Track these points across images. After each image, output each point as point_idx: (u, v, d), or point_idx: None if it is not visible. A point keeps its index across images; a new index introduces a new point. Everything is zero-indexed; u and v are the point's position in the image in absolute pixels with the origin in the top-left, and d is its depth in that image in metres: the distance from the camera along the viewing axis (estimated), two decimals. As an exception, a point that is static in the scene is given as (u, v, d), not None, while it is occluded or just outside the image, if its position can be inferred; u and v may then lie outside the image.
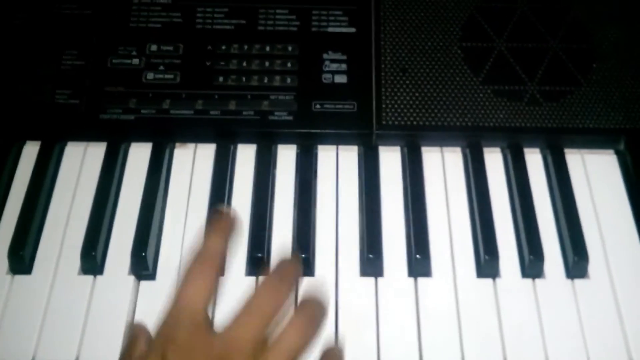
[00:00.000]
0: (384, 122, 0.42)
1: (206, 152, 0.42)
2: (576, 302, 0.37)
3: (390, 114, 0.43)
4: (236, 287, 0.37)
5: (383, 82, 0.43)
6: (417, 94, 0.43)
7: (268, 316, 0.28)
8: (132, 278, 0.37)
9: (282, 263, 0.30)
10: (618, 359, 0.35)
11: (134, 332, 0.29)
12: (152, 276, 0.37)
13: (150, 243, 0.38)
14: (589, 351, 0.35)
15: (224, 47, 0.44)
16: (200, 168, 0.42)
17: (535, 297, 0.37)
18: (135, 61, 0.44)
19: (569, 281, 0.38)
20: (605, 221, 0.40)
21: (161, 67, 0.44)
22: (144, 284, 0.37)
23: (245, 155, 0.42)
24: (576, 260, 0.37)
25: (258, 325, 0.27)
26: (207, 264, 0.28)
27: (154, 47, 0.44)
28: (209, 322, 0.27)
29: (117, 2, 0.46)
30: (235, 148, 0.43)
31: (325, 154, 0.43)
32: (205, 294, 0.27)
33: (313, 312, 0.29)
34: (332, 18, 0.46)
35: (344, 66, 0.44)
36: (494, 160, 0.42)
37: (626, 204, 0.41)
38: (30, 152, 0.42)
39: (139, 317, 0.36)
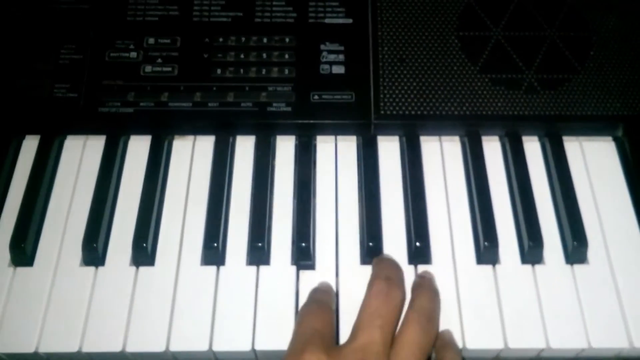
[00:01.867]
0: (382, 112, 0.42)
1: (205, 144, 0.43)
2: (576, 287, 0.37)
3: (388, 104, 0.43)
4: (237, 276, 0.37)
5: (381, 72, 0.43)
6: (414, 84, 0.43)
7: (389, 318, 0.29)
8: (133, 268, 0.38)
9: (384, 264, 0.31)
10: (618, 343, 0.35)
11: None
12: (151, 263, 0.38)
13: (150, 234, 0.38)
14: (589, 336, 0.35)
15: (221, 40, 0.44)
16: (199, 160, 0.42)
17: (535, 282, 0.37)
18: (133, 54, 0.44)
19: (568, 267, 0.38)
20: (604, 207, 0.40)
21: (159, 60, 0.44)
22: (143, 270, 0.37)
23: (244, 147, 0.43)
24: (575, 246, 0.37)
25: (383, 328, 0.28)
26: (325, 297, 0.32)
27: (151, 40, 0.44)
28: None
29: (114, -4, 0.46)
30: (234, 139, 0.43)
31: (324, 145, 0.43)
32: (331, 321, 0.30)
33: (428, 305, 0.30)
34: (329, 9, 0.46)
35: (341, 57, 0.44)
36: (492, 149, 0.43)
37: (625, 190, 0.41)
38: (29, 146, 0.42)
39: (138, 306, 0.36)
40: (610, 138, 0.43)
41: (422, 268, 0.38)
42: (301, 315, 0.32)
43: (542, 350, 0.35)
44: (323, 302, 0.32)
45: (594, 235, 0.38)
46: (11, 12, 0.45)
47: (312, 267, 0.38)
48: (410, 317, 0.30)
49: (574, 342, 0.35)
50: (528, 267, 0.38)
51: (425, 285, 0.33)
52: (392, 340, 0.29)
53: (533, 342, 0.35)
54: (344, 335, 0.34)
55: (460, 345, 0.35)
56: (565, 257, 0.38)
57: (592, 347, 0.35)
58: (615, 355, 0.36)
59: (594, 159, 0.42)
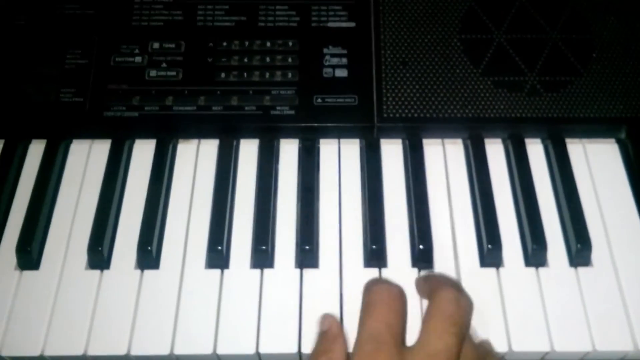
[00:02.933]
0: (385, 115, 0.43)
1: (209, 148, 0.43)
2: (580, 290, 0.37)
3: (391, 107, 0.43)
4: (241, 279, 0.38)
5: (383, 75, 0.44)
6: (417, 87, 0.43)
7: (463, 326, 0.28)
8: (138, 272, 0.38)
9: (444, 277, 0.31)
10: (623, 346, 0.35)
11: (326, 328, 0.30)
12: (156, 267, 0.38)
13: (155, 237, 0.39)
14: (594, 339, 0.35)
15: (225, 44, 0.45)
16: (203, 163, 0.42)
17: (539, 285, 0.37)
18: (138, 59, 0.44)
19: (572, 269, 0.38)
20: (608, 209, 0.40)
21: (163, 65, 0.44)
22: (148, 273, 0.38)
23: (248, 150, 0.43)
24: (579, 248, 0.37)
25: (458, 336, 0.27)
26: (393, 295, 0.30)
27: (156, 45, 0.45)
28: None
29: (119, 2, 0.46)
30: (238, 143, 0.43)
31: (327, 148, 0.43)
32: (399, 320, 0.28)
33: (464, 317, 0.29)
34: (331, 13, 0.46)
35: (344, 60, 0.44)
36: (495, 151, 0.43)
37: (628, 192, 0.41)
38: (36, 150, 0.43)
39: (143, 310, 0.36)
40: (613, 140, 0.43)
41: (425, 271, 0.38)
42: (368, 309, 0.29)
43: (547, 353, 0.35)
44: (391, 296, 0.29)
45: (597, 237, 0.38)
46: (17, 18, 0.45)
47: (315, 268, 0.38)
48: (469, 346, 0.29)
49: (579, 345, 0.35)
50: (532, 269, 0.38)
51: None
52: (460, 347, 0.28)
53: (537, 345, 0.35)
54: (349, 339, 0.34)
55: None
56: (569, 259, 0.38)
57: (597, 350, 0.35)
58: (620, 358, 0.36)
59: (597, 161, 0.42)
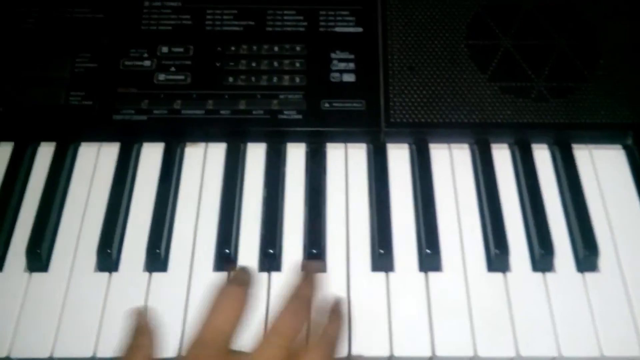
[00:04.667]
0: (392, 120, 0.43)
1: (217, 151, 0.43)
2: (587, 296, 0.37)
3: (398, 112, 0.43)
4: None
5: (391, 80, 0.44)
6: (424, 92, 0.44)
7: (291, 337, 0.28)
8: (146, 274, 0.38)
9: (306, 283, 0.31)
10: (630, 351, 0.35)
11: (139, 328, 0.30)
12: (164, 269, 0.38)
13: (163, 240, 0.39)
14: (602, 344, 0.35)
15: (233, 48, 0.45)
16: (211, 167, 0.42)
17: (546, 290, 0.37)
18: (147, 63, 0.45)
19: (579, 275, 0.38)
20: (615, 215, 0.40)
21: (172, 69, 0.44)
22: (156, 276, 0.38)
23: (256, 154, 0.43)
24: (587, 254, 0.37)
25: (286, 350, 0.28)
26: (237, 293, 0.29)
27: (164, 49, 0.45)
28: (234, 346, 0.28)
29: (128, 6, 0.46)
30: (246, 147, 0.43)
31: (334, 152, 0.43)
32: (233, 321, 0.29)
33: (337, 335, 0.30)
34: (339, 18, 0.46)
35: (351, 65, 0.44)
36: (502, 157, 0.43)
37: (635, 198, 0.41)
38: (45, 152, 0.43)
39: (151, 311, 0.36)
40: (619, 146, 0.43)
41: (432, 275, 0.38)
42: (214, 307, 0.29)
43: (554, 358, 0.35)
44: (238, 292, 0.30)
45: (604, 243, 0.39)
46: (27, 21, 0.46)
47: (323, 272, 0.38)
48: (317, 344, 0.29)
49: (586, 350, 0.35)
50: (539, 275, 0.38)
51: (339, 313, 0.31)
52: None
53: (545, 350, 0.35)
54: (355, 345, 0.34)
55: (471, 353, 0.35)
56: (576, 265, 0.38)
57: (605, 355, 0.35)
58: (627, 363, 0.36)
59: (603, 167, 0.42)
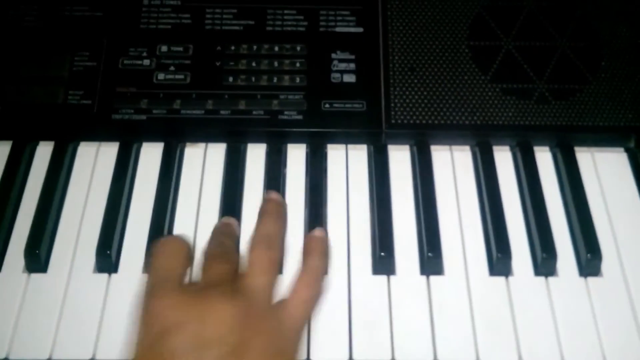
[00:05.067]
0: (393, 121, 0.43)
1: (217, 152, 0.43)
2: (590, 300, 0.37)
3: (399, 113, 0.43)
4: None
5: (391, 81, 0.44)
6: (425, 93, 0.43)
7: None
8: (146, 276, 0.38)
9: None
10: (633, 356, 0.35)
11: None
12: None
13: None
14: (604, 349, 0.35)
15: (233, 48, 0.45)
16: (211, 167, 0.42)
17: (548, 295, 0.37)
18: (146, 62, 0.44)
19: (582, 279, 0.38)
20: (617, 219, 0.40)
21: (172, 68, 0.44)
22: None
23: (256, 155, 0.43)
24: (589, 259, 0.37)
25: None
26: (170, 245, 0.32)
27: (164, 48, 0.45)
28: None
29: (127, 4, 0.46)
30: (246, 147, 0.43)
31: (335, 153, 0.43)
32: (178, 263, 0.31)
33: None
34: (339, 18, 0.46)
35: (352, 65, 0.44)
36: (503, 159, 0.42)
37: (637, 201, 0.41)
38: (44, 152, 0.43)
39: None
40: (622, 149, 0.43)
41: (434, 279, 0.38)
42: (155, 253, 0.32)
43: (556, 363, 0.35)
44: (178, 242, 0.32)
45: (607, 247, 0.38)
46: (26, 20, 0.45)
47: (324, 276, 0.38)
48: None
49: (589, 356, 0.35)
50: (541, 279, 0.38)
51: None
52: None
53: (547, 356, 0.35)
54: (356, 350, 0.34)
55: (473, 358, 0.35)
56: (579, 269, 0.38)
57: (607, 360, 0.35)
58: (629, 368, 0.36)
59: (606, 170, 0.42)
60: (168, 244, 0.32)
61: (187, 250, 0.32)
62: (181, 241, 0.32)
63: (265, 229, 0.33)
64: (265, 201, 0.35)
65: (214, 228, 0.35)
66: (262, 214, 0.34)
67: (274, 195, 0.36)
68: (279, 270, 0.32)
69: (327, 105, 0.43)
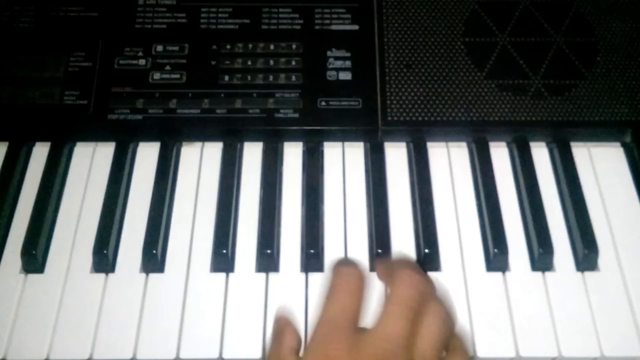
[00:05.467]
0: (389, 118, 0.43)
1: (213, 150, 0.43)
2: (587, 295, 0.37)
3: (395, 110, 0.43)
4: (247, 282, 0.38)
5: (387, 78, 0.44)
6: (421, 90, 0.43)
7: (411, 306, 0.29)
8: (143, 275, 0.38)
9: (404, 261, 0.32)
10: (631, 351, 0.35)
11: (280, 327, 0.31)
12: (161, 270, 0.38)
13: (160, 240, 0.38)
14: (602, 344, 0.35)
15: (228, 47, 0.45)
16: (207, 166, 0.42)
17: (545, 290, 0.37)
18: (142, 62, 0.44)
19: (579, 274, 0.38)
20: (614, 213, 0.40)
21: (167, 67, 0.44)
22: (153, 277, 0.38)
23: (252, 153, 0.43)
24: (586, 253, 0.37)
25: (404, 315, 0.28)
26: (353, 279, 0.30)
27: (159, 48, 0.45)
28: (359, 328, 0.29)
29: (122, 4, 0.46)
30: (242, 146, 0.43)
31: (331, 151, 0.43)
32: (358, 299, 0.29)
33: (444, 301, 0.30)
34: (335, 16, 0.46)
35: (348, 63, 0.44)
36: (500, 155, 0.43)
37: (634, 196, 0.41)
38: (40, 152, 0.43)
39: (148, 314, 0.36)
40: (618, 144, 0.43)
41: (431, 275, 0.37)
42: (330, 289, 0.30)
43: (554, 358, 0.35)
44: (354, 274, 0.31)
45: (604, 242, 0.38)
46: (22, 20, 0.45)
47: (320, 271, 0.38)
48: (432, 310, 0.30)
49: (586, 350, 0.35)
50: (538, 274, 0.38)
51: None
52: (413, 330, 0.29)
53: (545, 350, 0.35)
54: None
55: (470, 353, 0.35)
56: (575, 264, 0.38)
57: (605, 355, 0.35)
58: (627, 363, 0.36)
59: (602, 165, 0.42)
60: (351, 277, 0.30)
61: (365, 287, 0.30)
62: (363, 275, 0.30)
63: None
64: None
65: (401, 264, 0.31)
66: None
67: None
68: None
69: (323, 103, 0.43)
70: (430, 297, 0.30)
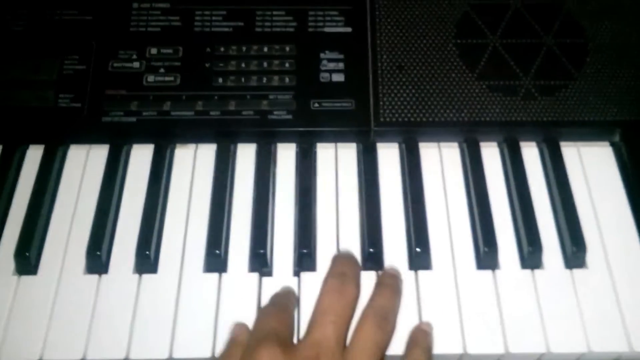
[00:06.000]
0: (381, 119, 0.43)
1: (207, 152, 0.43)
2: (575, 292, 0.37)
3: (387, 111, 0.43)
4: (239, 283, 0.38)
5: (380, 80, 0.44)
6: (413, 91, 0.44)
7: (342, 314, 0.30)
8: (136, 276, 0.38)
9: (340, 261, 0.32)
10: (618, 347, 0.35)
11: (234, 335, 0.32)
12: (154, 271, 0.38)
13: (153, 242, 0.39)
14: (589, 340, 0.35)
15: (222, 49, 0.45)
16: (201, 167, 0.42)
17: (535, 287, 0.37)
18: (136, 64, 0.44)
19: (567, 271, 0.38)
20: (603, 212, 0.40)
21: (161, 70, 0.44)
22: (146, 278, 0.38)
23: (246, 155, 0.43)
24: (574, 251, 0.38)
25: (336, 324, 0.29)
26: (284, 300, 0.32)
27: (153, 51, 0.45)
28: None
29: (116, 8, 0.46)
30: (236, 147, 0.43)
31: (325, 152, 0.43)
32: (288, 321, 0.31)
33: (385, 302, 0.31)
34: (328, 18, 0.46)
35: (341, 65, 0.44)
36: (491, 155, 0.43)
37: (623, 195, 0.41)
38: (33, 155, 0.43)
39: (141, 314, 0.36)
40: (607, 143, 0.44)
41: (422, 274, 0.38)
42: (259, 315, 0.33)
43: (543, 354, 0.35)
44: (282, 304, 0.33)
45: (592, 239, 0.39)
46: (16, 24, 0.45)
47: (313, 271, 0.38)
48: (365, 314, 0.31)
49: (575, 346, 0.35)
50: (528, 272, 0.38)
51: (385, 282, 0.34)
52: (346, 337, 0.30)
53: (534, 346, 0.35)
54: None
55: (460, 350, 0.35)
56: (564, 261, 0.38)
57: (593, 351, 0.35)
58: (614, 359, 0.36)
59: (591, 164, 0.42)
60: (285, 299, 0.33)
61: (294, 304, 0.33)
62: (289, 299, 0.33)
63: (382, 301, 0.32)
64: (385, 274, 0.34)
65: (332, 270, 0.33)
66: (380, 285, 0.33)
67: (392, 270, 0.35)
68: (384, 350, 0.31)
69: (316, 105, 0.43)
70: (356, 301, 0.31)
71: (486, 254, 0.38)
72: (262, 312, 0.33)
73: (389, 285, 0.33)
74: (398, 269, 0.36)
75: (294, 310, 0.33)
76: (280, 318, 0.31)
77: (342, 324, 0.30)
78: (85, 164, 0.42)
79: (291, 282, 0.38)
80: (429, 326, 0.34)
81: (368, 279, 0.37)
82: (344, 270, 0.33)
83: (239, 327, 0.34)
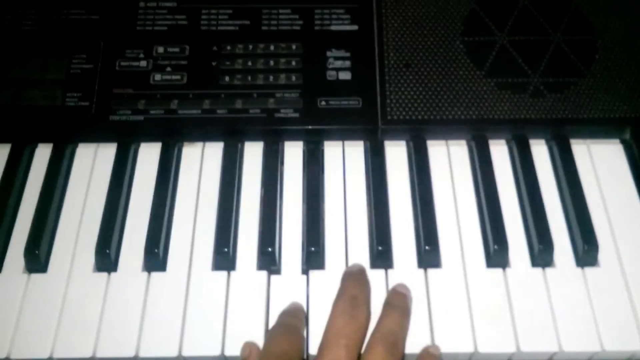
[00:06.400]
0: (389, 117, 0.43)
1: (214, 151, 0.43)
2: (587, 290, 0.37)
3: (395, 109, 0.43)
4: (248, 281, 0.38)
5: (387, 77, 0.44)
6: (421, 89, 0.44)
7: (353, 337, 0.30)
8: (145, 274, 0.38)
9: (351, 282, 0.32)
10: (631, 346, 0.35)
11: (244, 356, 0.32)
12: (162, 269, 0.38)
13: (162, 240, 0.39)
14: (602, 338, 0.35)
15: (229, 48, 0.45)
16: (208, 166, 0.42)
17: (546, 286, 0.37)
18: (143, 63, 0.45)
19: (579, 269, 0.38)
20: (613, 209, 0.40)
21: (168, 69, 0.44)
22: (155, 276, 0.38)
23: (253, 153, 0.43)
24: (586, 249, 0.37)
25: (348, 347, 0.29)
26: (294, 321, 0.32)
27: (160, 49, 0.45)
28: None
29: (123, 7, 0.46)
30: (243, 146, 0.43)
31: (332, 150, 0.43)
32: (299, 344, 0.31)
33: (394, 326, 0.31)
34: (334, 16, 0.46)
35: (347, 63, 0.44)
36: (499, 152, 0.43)
37: (633, 192, 0.41)
38: (42, 154, 0.43)
39: (150, 312, 0.36)
40: (617, 141, 0.43)
41: (431, 272, 0.38)
42: (269, 337, 0.33)
43: (555, 353, 0.35)
44: (292, 326, 0.33)
45: (604, 237, 0.38)
46: (24, 23, 0.46)
47: (322, 269, 0.38)
48: (375, 340, 0.31)
49: (587, 345, 0.35)
50: (538, 270, 0.38)
51: (394, 304, 0.33)
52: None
53: (545, 345, 0.35)
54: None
55: (472, 349, 0.35)
56: (575, 260, 0.38)
57: (605, 350, 0.35)
58: (627, 358, 0.36)
59: (601, 162, 0.42)
60: (295, 319, 0.32)
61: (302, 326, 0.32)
62: (299, 319, 0.32)
63: (391, 325, 0.31)
64: (394, 293, 0.34)
65: (343, 291, 0.33)
66: (389, 307, 0.33)
67: (402, 287, 0.34)
68: None
69: (323, 103, 0.43)
70: (367, 323, 0.31)
71: (496, 252, 0.38)
72: (272, 333, 0.33)
73: (399, 307, 0.32)
74: (407, 286, 0.35)
75: (304, 330, 0.33)
76: (291, 341, 0.31)
77: (354, 347, 0.30)
78: (93, 162, 0.43)
79: (299, 280, 0.37)
80: (437, 348, 0.33)
81: (377, 278, 0.37)
82: (355, 293, 0.32)
83: (249, 347, 0.33)
